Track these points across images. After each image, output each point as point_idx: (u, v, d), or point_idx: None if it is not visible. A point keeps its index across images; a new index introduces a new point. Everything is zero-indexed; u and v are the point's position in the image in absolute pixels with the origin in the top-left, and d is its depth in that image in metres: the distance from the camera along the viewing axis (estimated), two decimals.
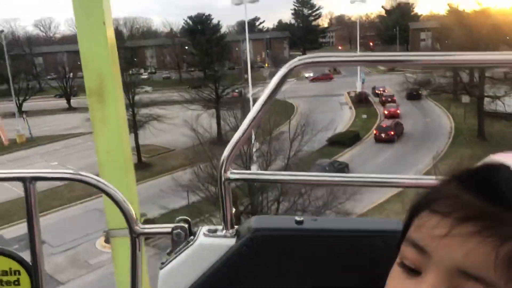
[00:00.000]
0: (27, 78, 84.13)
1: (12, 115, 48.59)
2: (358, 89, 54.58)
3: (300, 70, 1.15)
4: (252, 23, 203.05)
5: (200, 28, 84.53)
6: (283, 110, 47.26)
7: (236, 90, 61.76)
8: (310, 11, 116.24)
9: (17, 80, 73.14)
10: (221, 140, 37.71)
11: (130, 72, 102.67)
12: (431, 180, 1.06)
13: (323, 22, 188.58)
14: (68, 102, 64.30)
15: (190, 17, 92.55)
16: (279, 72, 1.15)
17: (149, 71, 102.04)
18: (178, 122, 42.49)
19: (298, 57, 1.13)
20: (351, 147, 35.72)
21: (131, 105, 35.27)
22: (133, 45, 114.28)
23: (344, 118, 46.28)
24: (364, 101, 51.48)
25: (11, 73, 69.59)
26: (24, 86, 71.34)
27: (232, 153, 1.21)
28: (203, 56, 78.58)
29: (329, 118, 46.06)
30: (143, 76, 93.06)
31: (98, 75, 2.23)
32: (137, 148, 34.03)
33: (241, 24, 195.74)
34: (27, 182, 1.19)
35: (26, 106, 60.64)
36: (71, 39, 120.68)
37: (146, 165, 33.99)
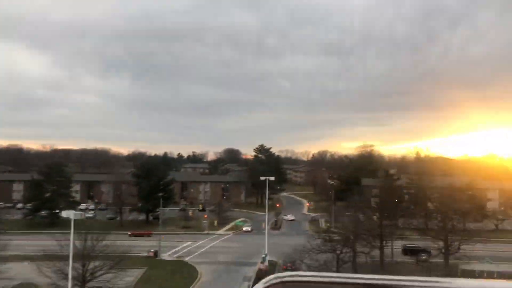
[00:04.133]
0: None
1: None
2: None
3: None
4: (235, 153, 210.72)
5: (147, 172, 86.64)
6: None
7: (152, 250, 60.29)
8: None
9: None
10: None
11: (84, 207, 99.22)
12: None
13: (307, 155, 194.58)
14: None
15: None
16: None
17: (99, 207, 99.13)
18: None
19: (275, 275, 1.14)
20: None
21: None
22: (89, 179, 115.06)
23: None
24: None
25: None
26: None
27: None
28: (143, 198, 79.92)
29: None
30: (88, 215, 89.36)
31: None
32: None
33: (227, 152, 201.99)
34: None
35: None
36: None
37: None
